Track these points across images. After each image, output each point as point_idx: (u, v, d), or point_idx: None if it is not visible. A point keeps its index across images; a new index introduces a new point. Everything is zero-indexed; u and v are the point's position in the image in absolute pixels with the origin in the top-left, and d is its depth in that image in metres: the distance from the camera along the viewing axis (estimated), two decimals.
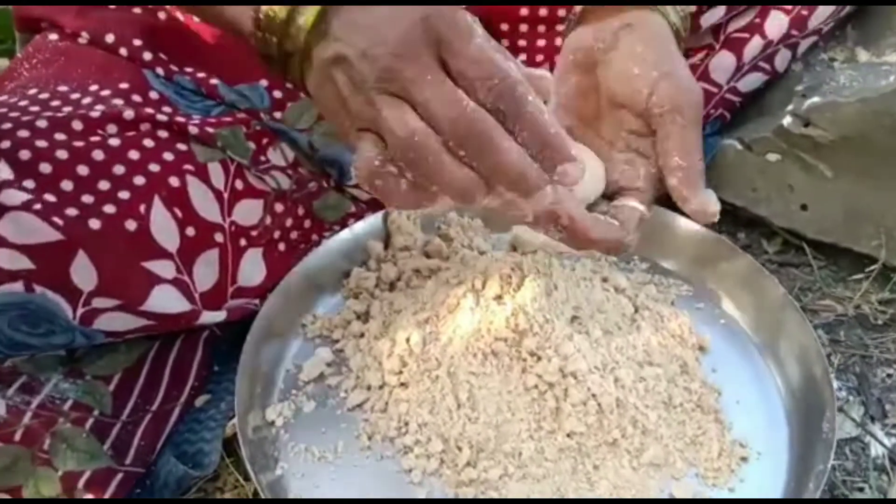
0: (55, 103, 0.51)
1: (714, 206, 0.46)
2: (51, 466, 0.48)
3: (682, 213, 0.49)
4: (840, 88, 0.61)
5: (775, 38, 0.64)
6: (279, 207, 0.58)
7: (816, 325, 0.56)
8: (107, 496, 0.48)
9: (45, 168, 0.48)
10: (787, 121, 0.62)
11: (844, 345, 0.59)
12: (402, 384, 0.53)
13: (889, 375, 0.57)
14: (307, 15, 0.40)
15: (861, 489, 0.51)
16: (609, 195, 0.49)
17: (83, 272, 0.48)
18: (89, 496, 0.48)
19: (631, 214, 0.47)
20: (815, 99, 0.61)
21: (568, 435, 0.49)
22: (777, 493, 0.48)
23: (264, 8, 0.41)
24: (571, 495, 0.48)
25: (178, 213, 0.52)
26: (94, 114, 0.51)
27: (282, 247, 0.58)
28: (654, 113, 0.47)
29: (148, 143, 0.52)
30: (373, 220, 0.61)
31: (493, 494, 0.48)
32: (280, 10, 0.41)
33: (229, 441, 0.52)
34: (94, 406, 0.51)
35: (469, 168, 0.40)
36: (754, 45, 0.64)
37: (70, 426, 0.49)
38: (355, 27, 0.40)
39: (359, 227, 0.60)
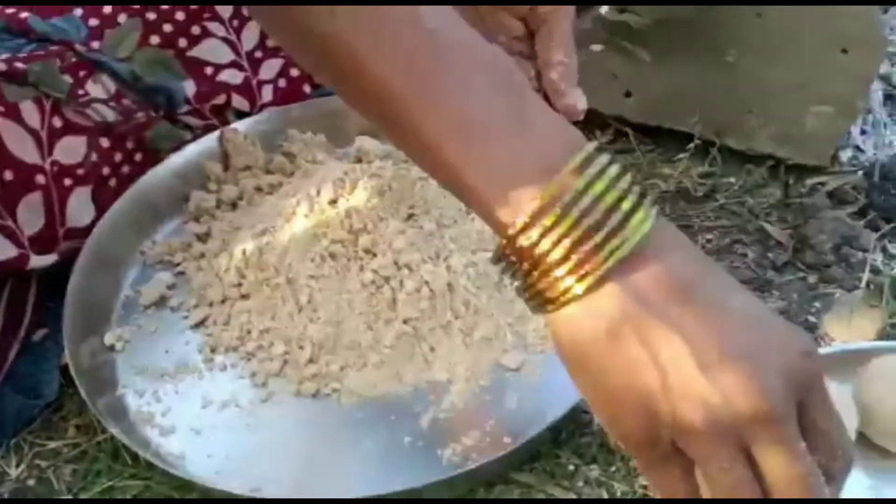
0: None
1: (583, 104, 0.50)
2: None
3: None
4: None
5: None
6: (105, 142, 0.57)
7: None
8: None
9: None
10: (604, 9, 0.65)
11: (668, 218, 0.61)
12: (242, 296, 0.54)
13: (709, 240, 0.61)
14: (618, 246, 0.29)
15: None
16: None
17: None
18: None
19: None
20: None
21: (404, 321, 0.51)
22: None
23: (543, 222, 0.29)
24: (410, 377, 0.50)
25: None
26: None
27: (113, 182, 0.58)
28: (538, 13, 0.49)
29: None
30: (206, 142, 0.60)
31: (335, 385, 0.50)
32: (572, 227, 0.29)
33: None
34: None
35: None
36: None
37: None
38: (708, 313, 0.29)
39: (192, 150, 0.60)
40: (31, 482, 0.48)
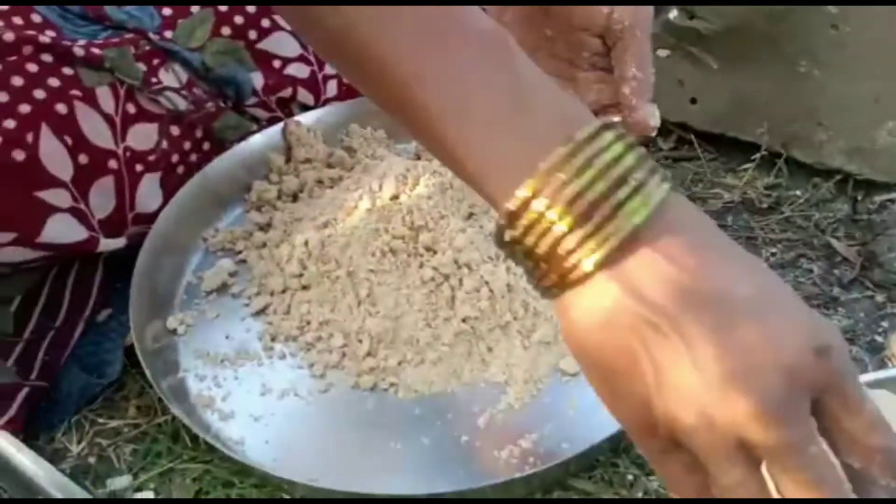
0: None
1: (655, 121, 0.49)
2: None
3: None
4: None
5: None
6: (175, 130, 0.58)
7: (705, 212, 0.58)
8: (13, 410, 0.49)
9: None
10: (672, 14, 0.64)
11: (732, 229, 0.61)
12: (303, 287, 0.54)
13: (773, 254, 0.60)
14: (614, 231, 0.28)
15: None
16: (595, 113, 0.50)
17: None
18: None
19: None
20: None
21: (463, 320, 0.51)
22: None
23: (535, 206, 0.28)
24: (467, 376, 0.50)
25: (69, 140, 0.51)
26: None
27: (181, 170, 0.58)
28: (614, 29, 0.48)
29: (31, 67, 0.51)
30: (271, 133, 0.61)
31: (393, 380, 0.50)
32: (567, 210, 0.28)
33: (132, 351, 0.53)
34: None
35: None
36: None
37: None
38: (713, 314, 0.27)
39: (257, 140, 0.60)
40: (91, 459, 0.49)
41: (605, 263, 0.28)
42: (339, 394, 0.50)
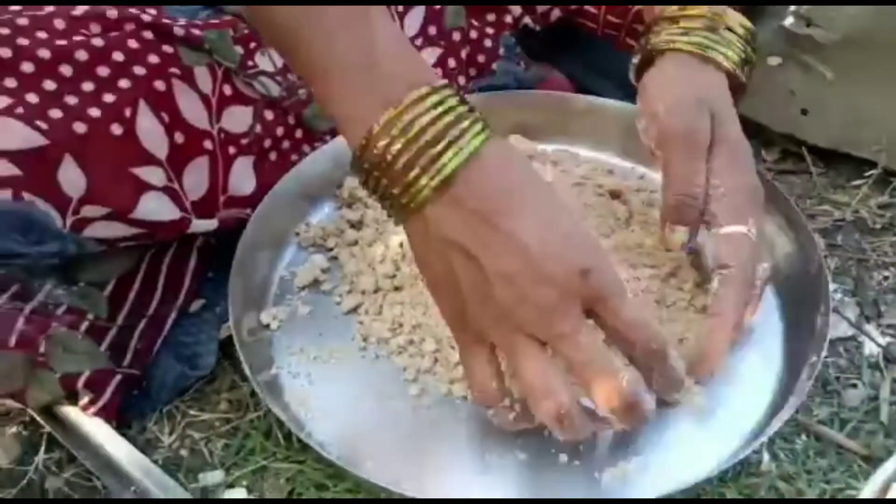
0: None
1: (674, 243, 0.49)
2: (49, 369, 0.48)
3: None
4: None
5: None
6: (269, 115, 0.57)
7: (813, 230, 0.55)
8: (106, 397, 0.49)
9: (28, 67, 0.47)
10: (788, 21, 0.61)
11: (842, 249, 0.59)
12: (396, 288, 0.53)
13: (886, 278, 0.57)
14: (434, 177, 0.38)
15: (854, 385, 0.51)
16: None
17: (71, 178, 0.47)
18: (88, 396, 0.49)
19: (720, 245, 0.48)
20: None
21: None
22: (770, 383, 0.49)
23: (376, 143, 0.38)
24: None
25: (165, 117, 0.51)
26: (77, 12, 0.50)
27: (273, 156, 0.58)
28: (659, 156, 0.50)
29: (133, 44, 0.51)
30: None
31: None
32: (394, 158, 0.38)
33: (225, 344, 0.52)
34: (88, 310, 0.51)
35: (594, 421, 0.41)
36: None
37: (65, 330, 0.50)
38: (495, 233, 0.38)
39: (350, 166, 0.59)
40: (183, 452, 0.49)
41: (424, 203, 0.38)
42: (433, 401, 0.49)
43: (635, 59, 0.54)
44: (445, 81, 0.40)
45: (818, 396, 0.51)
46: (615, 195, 0.57)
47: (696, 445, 0.46)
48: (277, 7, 0.41)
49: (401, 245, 0.53)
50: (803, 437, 0.49)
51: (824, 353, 0.46)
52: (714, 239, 0.48)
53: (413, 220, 0.40)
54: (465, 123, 0.38)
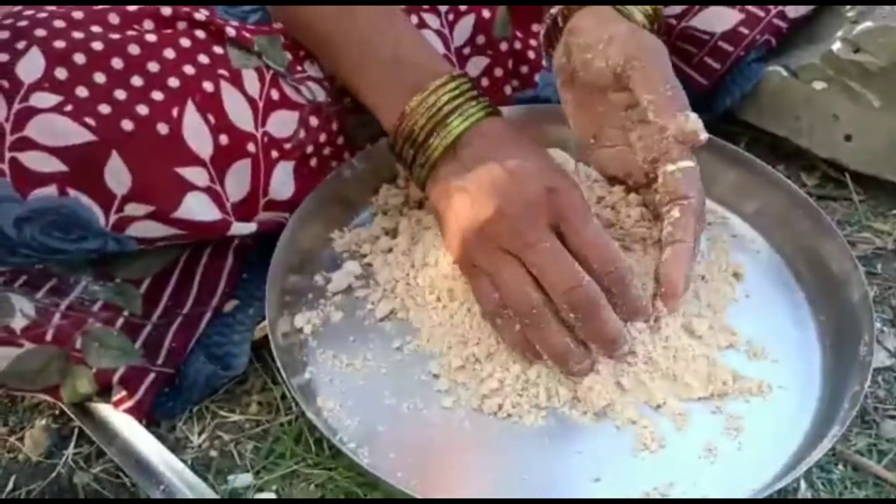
0: None
1: (692, 125, 0.46)
2: (84, 364, 0.49)
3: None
4: (894, 13, 0.58)
5: None
6: (314, 121, 0.57)
7: (857, 257, 0.54)
8: (139, 394, 0.49)
9: (80, 59, 0.47)
10: (836, 46, 0.60)
11: (881, 277, 0.58)
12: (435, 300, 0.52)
13: None
14: (444, 139, 0.48)
15: (893, 416, 0.50)
16: (653, 172, 0.49)
17: (116, 175, 0.47)
18: (123, 392, 0.49)
19: (677, 181, 0.47)
20: (868, 23, 0.59)
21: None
22: (809, 411, 0.48)
23: (406, 123, 0.49)
24: (600, 409, 0.48)
25: (212, 119, 0.51)
26: (132, 8, 0.50)
27: (313, 163, 0.58)
28: (619, 75, 0.49)
29: (184, 42, 0.51)
30: None
31: (516, 401, 0.48)
32: (420, 132, 0.49)
33: (256, 346, 0.52)
34: (124, 307, 0.51)
35: (570, 334, 0.46)
36: None
37: (100, 326, 0.50)
38: (484, 173, 0.47)
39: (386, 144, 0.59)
40: (213, 453, 0.48)
41: (436, 162, 0.49)
42: (466, 413, 0.48)
43: (547, 22, 0.54)
44: (461, 71, 0.51)
45: (856, 427, 0.50)
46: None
47: (733, 472, 0.46)
48: (312, 12, 0.51)
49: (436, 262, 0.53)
50: (841, 466, 0.48)
51: (868, 383, 0.45)
52: (669, 173, 0.47)
53: (431, 181, 0.50)
54: (474, 102, 0.49)
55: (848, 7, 0.61)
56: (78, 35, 0.47)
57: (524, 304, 0.45)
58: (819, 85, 0.62)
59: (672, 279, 0.47)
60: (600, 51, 0.49)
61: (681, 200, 0.47)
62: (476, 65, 0.62)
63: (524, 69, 0.64)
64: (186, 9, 0.52)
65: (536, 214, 0.45)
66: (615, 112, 0.51)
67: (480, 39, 0.62)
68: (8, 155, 0.45)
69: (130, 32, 0.49)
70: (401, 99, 0.49)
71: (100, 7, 0.50)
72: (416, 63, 0.50)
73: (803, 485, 0.47)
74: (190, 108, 0.50)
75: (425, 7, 0.60)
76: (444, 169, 0.49)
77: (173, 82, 0.50)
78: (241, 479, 0.47)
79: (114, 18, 0.50)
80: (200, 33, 0.52)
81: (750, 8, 0.63)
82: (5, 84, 0.45)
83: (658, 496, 0.44)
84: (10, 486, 0.47)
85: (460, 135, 0.48)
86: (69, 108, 0.46)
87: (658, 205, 0.49)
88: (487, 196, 0.46)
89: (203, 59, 0.51)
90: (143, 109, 0.48)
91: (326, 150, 0.58)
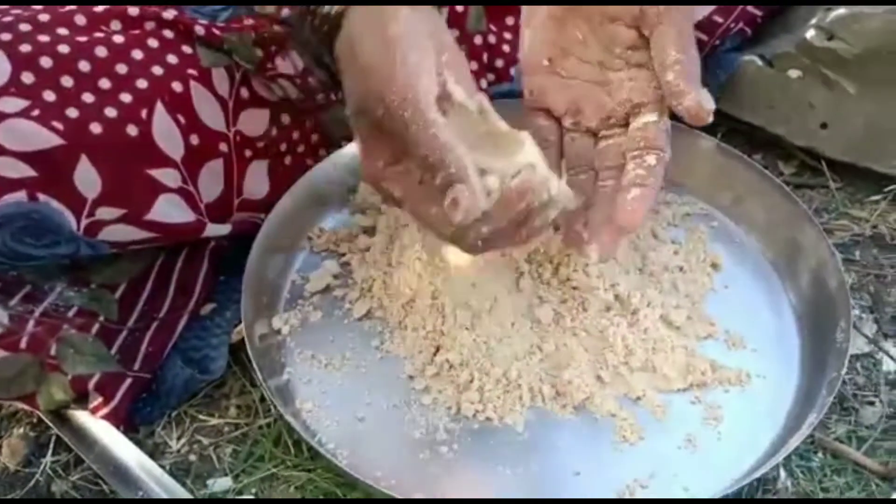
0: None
1: (710, 104, 0.45)
2: (60, 371, 0.48)
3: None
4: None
5: None
6: (286, 119, 0.57)
7: (834, 245, 0.54)
8: (115, 401, 0.48)
9: (46, 62, 0.46)
10: (810, 34, 0.60)
11: (859, 264, 0.58)
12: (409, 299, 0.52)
13: None
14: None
15: (872, 403, 0.51)
16: (625, 115, 0.48)
17: (86, 178, 0.47)
18: (99, 399, 0.48)
19: (658, 132, 0.46)
20: (841, 10, 0.59)
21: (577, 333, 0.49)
22: (788, 399, 0.48)
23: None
24: (578, 403, 0.48)
25: (182, 119, 0.50)
26: (98, 9, 0.50)
27: (288, 160, 0.57)
28: (649, 14, 0.46)
29: (152, 42, 0.51)
30: None
31: (496, 403, 0.48)
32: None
33: (235, 349, 0.52)
34: (99, 312, 0.51)
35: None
36: None
37: (75, 332, 0.49)
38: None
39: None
40: (192, 457, 0.48)
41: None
42: (445, 411, 0.48)
43: None
44: None
45: (835, 414, 0.50)
46: None
47: (713, 462, 0.46)
48: None
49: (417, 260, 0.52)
50: (820, 454, 0.48)
51: (844, 370, 0.46)
52: (653, 122, 0.46)
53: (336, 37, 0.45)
54: None
55: None
56: (44, 38, 0.47)
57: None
58: (794, 73, 0.62)
59: (636, 214, 0.44)
60: None
61: (657, 151, 0.46)
62: None
63: (499, 63, 0.64)
64: (154, 8, 0.51)
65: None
66: (601, 44, 0.48)
67: (454, 33, 0.62)
68: None
69: (97, 34, 0.49)
70: None
71: (66, 9, 0.49)
72: None
73: (783, 473, 0.47)
74: (159, 109, 0.49)
75: None
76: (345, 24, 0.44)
77: (142, 83, 0.49)
78: (221, 483, 0.46)
79: (80, 20, 0.49)
80: (168, 33, 0.51)
81: None
82: None
83: (639, 488, 0.44)
84: None
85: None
86: (36, 112, 0.46)
87: (626, 149, 0.47)
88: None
89: (172, 59, 0.51)
90: (111, 112, 0.48)
91: (301, 148, 0.58)
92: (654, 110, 0.47)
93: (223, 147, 0.53)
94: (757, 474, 0.44)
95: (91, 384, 0.48)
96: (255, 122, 0.54)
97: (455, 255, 0.51)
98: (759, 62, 0.63)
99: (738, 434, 0.47)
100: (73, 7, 0.49)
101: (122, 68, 0.49)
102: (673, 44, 0.45)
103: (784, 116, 0.63)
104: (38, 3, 0.49)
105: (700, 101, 0.44)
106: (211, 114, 0.52)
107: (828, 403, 0.45)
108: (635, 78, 0.47)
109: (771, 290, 0.54)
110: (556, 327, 0.50)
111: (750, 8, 0.63)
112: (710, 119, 0.45)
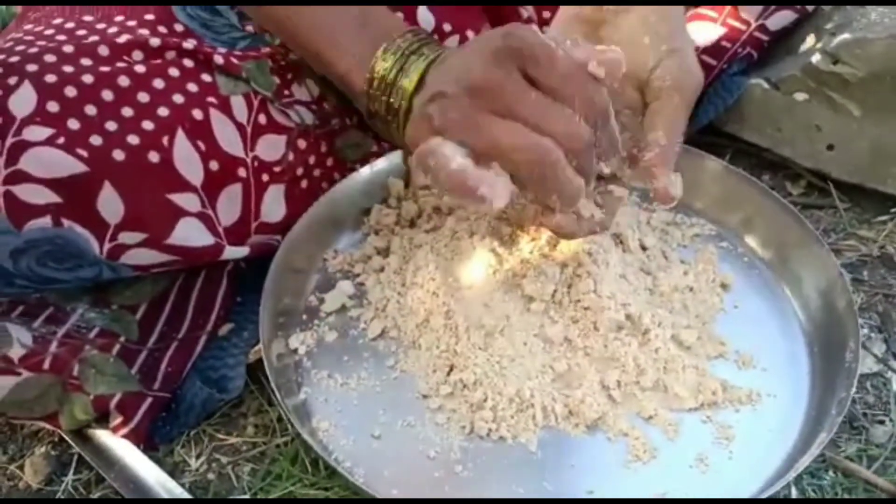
0: (81, 32, 0.51)
1: (676, 191, 0.48)
2: (82, 391, 0.49)
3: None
4: (871, 25, 0.60)
5: None
6: (302, 144, 0.58)
7: (841, 265, 0.55)
8: (136, 420, 0.49)
9: (71, 91, 0.48)
10: (815, 58, 0.61)
11: (868, 284, 0.59)
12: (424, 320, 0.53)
13: None
14: (412, 76, 0.48)
15: (882, 422, 0.51)
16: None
17: (109, 204, 0.48)
18: (120, 418, 0.49)
19: (614, 202, 0.49)
20: (845, 35, 0.60)
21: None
22: (798, 418, 0.48)
23: (378, 68, 0.49)
24: (591, 423, 0.48)
25: (202, 145, 0.52)
26: (121, 40, 0.51)
27: (304, 184, 0.58)
28: (653, 86, 0.48)
29: (173, 72, 0.52)
30: (393, 158, 0.60)
31: (511, 423, 0.48)
32: (389, 72, 0.49)
33: (252, 368, 0.53)
34: (120, 333, 0.52)
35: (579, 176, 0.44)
36: None
37: (97, 353, 0.51)
38: (449, 69, 0.46)
39: (379, 165, 0.60)
40: (211, 476, 0.49)
41: (414, 93, 0.48)
42: (459, 429, 0.49)
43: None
44: (419, 28, 0.52)
45: (845, 433, 0.50)
46: None
47: (725, 481, 0.46)
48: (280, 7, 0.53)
49: (431, 279, 0.53)
50: (831, 473, 0.49)
51: (854, 389, 0.46)
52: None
53: (409, 121, 0.48)
54: (435, 46, 0.50)
55: (826, 20, 0.62)
56: (68, 69, 0.48)
57: (531, 148, 0.42)
58: (800, 96, 0.63)
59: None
60: (660, 52, 0.48)
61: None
62: None
63: None
64: (175, 38, 0.53)
65: (504, 64, 0.43)
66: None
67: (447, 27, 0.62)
68: (2, 188, 0.46)
69: (120, 64, 0.50)
70: (368, 53, 0.49)
71: (90, 40, 0.51)
72: (378, 21, 0.51)
73: (794, 491, 0.47)
74: (180, 136, 0.51)
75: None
76: (417, 100, 0.48)
77: (163, 111, 0.51)
78: None
79: (103, 50, 0.50)
80: (189, 62, 0.53)
81: (731, 21, 0.64)
82: None
83: None
84: None
85: (426, 67, 0.48)
86: (61, 140, 0.47)
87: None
88: (450, 79, 0.45)
89: (192, 87, 0.52)
90: (134, 139, 0.49)
91: (317, 172, 0.59)
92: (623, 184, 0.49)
93: (241, 172, 0.54)
94: (768, 493, 0.44)
95: (112, 404, 0.49)
96: (272, 147, 0.56)
97: (468, 275, 0.52)
98: (766, 85, 0.64)
99: (750, 453, 0.47)
100: (96, 38, 0.51)
101: (143, 97, 0.50)
102: (665, 126, 0.48)
103: (791, 138, 0.64)
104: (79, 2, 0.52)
105: (669, 186, 0.48)
106: (230, 140, 0.53)
107: (838, 422, 0.45)
108: (629, 128, 0.49)
109: (780, 309, 0.55)
110: (569, 347, 0.51)
111: (757, 32, 0.64)
112: (674, 203, 0.49)
